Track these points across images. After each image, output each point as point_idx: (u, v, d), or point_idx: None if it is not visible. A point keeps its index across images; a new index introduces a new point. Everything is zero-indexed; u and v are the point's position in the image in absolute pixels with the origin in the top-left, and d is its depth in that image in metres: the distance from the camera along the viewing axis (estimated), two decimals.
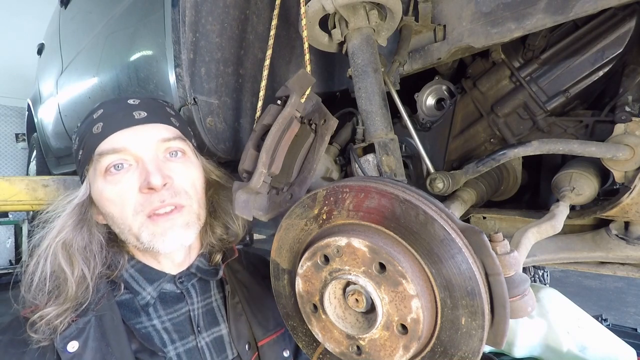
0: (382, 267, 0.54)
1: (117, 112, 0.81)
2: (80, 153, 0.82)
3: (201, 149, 1.07)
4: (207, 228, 0.92)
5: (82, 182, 0.84)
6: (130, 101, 0.84)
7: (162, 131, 0.82)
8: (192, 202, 0.83)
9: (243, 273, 1.00)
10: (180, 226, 0.80)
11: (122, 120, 0.80)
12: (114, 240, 0.85)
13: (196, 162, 0.89)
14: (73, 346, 0.71)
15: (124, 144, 0.78)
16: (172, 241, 0.79)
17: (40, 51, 3.39)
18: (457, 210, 1.00)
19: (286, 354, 0.94)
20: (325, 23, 0.91)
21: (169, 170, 0.81)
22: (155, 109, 0.85)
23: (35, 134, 3.59)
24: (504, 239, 0.55)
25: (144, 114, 0.81)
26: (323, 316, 0.61)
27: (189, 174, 0.84)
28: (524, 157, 1.13)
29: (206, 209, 0.90)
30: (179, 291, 0.86)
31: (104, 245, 0.83)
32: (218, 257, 0.94)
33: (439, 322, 0.54)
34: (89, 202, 0.83)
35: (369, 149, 0.88)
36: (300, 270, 0.62)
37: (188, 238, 0.82)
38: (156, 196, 0.77)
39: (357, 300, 0.57)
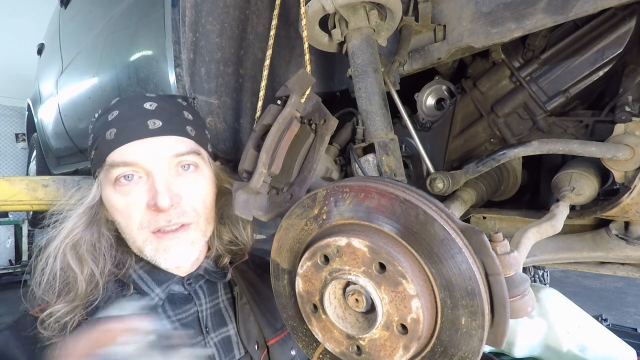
0: (382, 267, 0.54)
1: (132, 118, 0.79)
2: (93, 154, 0.82)
3: (217, 154, 1.06)
4: (215, 234, 0.92)
5: (95, 180, 0.84)
6: (147, 105, 0.81)
7: (176, 145, 0.80)
8: (199, 220, 0.83)
9: (250, 274, 1.00)
10: (185, 244, 0.81)
11: (135, 129, 0.78)
12: (122, 239, 0.85)
13: (208, 174, 0.88)
14: None
15: (135, 157, 0.77)
16: (175, 258, 0.80)
17: (40, 51, 3.39)
18: (457, 210, 1.00)
19: (293, 352, 0.95)
20: (325, 23, 0.91)
21: (179, 187, 0.80)
22: (171, 116, 0.82)
23: (35, 134, 3.59)
24: (504, 239, 0.55)
25: (158, 123, 0.79)
26: (323, 316, 0.61)
27: (199, 190, 0.84)
28: (524, 157, 1.13)
29: (215, 220, 0.90)
30: (187, 292, 0.87)
31: (113, 243, 0.84)
32: (226, 260, 0.94)
33: (439, 322, 0.54)
34: (100, 203, 0.83)
35: (369, 149, 0.88)
36: (300, 270, 0.62)
37: (192, 256, 0.82)
38: (163, 216, 0.77)
39: (357, 300, 0.57)
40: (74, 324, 0.74)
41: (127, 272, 0.84)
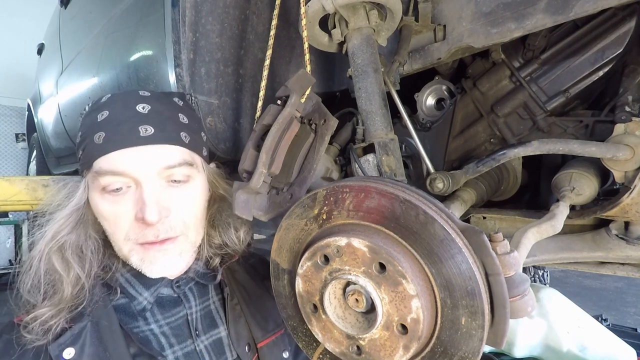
0: (382, 267, 0.54)
1: (123, 123, 0.75)
2: (81, 154, 0.80)
3: (212, 157, 1.05)
4: (205, 239, 0.90)
5: (82, 181, 0.81)
6: (139, 107, 0.77)
7: (167, 155, 0.77)
8: (188, 232, 0.81)
9: (242, 274, 0.98)
10: (172, 255, 0.78)
11: (125, 135, 0.74)
12: (109, 242, 0.82)
13: (201, 183, 0.84)
14: (69, 353, 0.70)
15: (123, 167, 0.73)
16: (161, 269, 0.78)
17: (40, 51, 3.39)
18: (457, 210, 1.00)
19: (285, 355, 0.93)
20: (325, 23, 0.91)
21: (169, 199, 0.77)
22: (164, 121, 0.78)
23: (35, 134, 3.59)
24: (504, 239, 0.55)
25: (150, 130, 0.75)
26: (323, 316, 0.61)
27: (190, 203, 0.81)
28: (524, 157, 1.13)
29: (205, 227, 0.88)
30: (176, 295, 0.85)
31: (100, 246, 0.81)
32: (216, 261, 0.92)
33: (439, 322, 0.54)
34: (87, 205, 0.81)
35: (369, 149, 0.88)
36: (300, 270, 0.62)
37: (178, 267, 0.81)
38: (150, 230, 0.75)
39: (357, 300, 0.57)
40: (57, 328, 0.71)
41: (113, 276, 0.81)
